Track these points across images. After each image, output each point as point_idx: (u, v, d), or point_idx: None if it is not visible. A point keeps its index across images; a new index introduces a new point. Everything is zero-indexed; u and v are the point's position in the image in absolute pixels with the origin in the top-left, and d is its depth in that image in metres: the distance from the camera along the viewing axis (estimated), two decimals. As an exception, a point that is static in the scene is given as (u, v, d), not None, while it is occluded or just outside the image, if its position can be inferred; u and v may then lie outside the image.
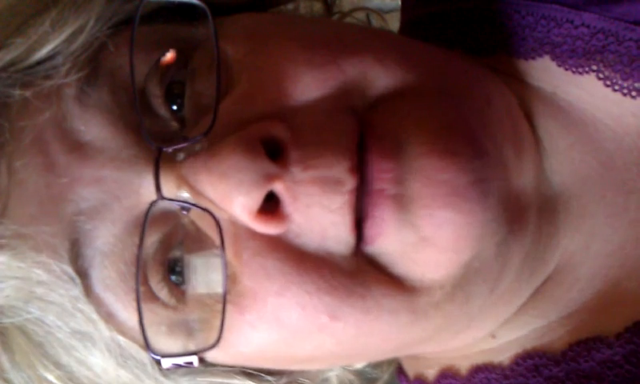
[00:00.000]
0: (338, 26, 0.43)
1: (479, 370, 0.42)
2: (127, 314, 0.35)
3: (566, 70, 0.43)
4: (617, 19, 0.42)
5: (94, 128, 0.35)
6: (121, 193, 0.35)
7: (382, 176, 0.33)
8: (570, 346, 0.40)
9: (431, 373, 0.44)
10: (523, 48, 0.44)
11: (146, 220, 0.34)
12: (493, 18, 0.45)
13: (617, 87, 0.42)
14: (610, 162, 0.42)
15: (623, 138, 0.42)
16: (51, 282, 0.35)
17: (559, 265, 0.41)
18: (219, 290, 0.34)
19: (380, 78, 0.35)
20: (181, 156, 0.34)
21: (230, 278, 0.35)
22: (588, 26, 0.43)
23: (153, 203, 0.34)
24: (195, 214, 0.35)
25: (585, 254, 0.41)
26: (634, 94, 0.42)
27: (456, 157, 0.33)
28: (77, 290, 0.35)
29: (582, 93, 0.42)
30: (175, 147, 0.34)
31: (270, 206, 0.33)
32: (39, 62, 0.36)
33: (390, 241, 0.34)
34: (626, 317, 0.40)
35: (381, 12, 0.60)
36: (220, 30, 0.36)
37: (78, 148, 0.35)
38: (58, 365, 0.36)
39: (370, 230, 0.34)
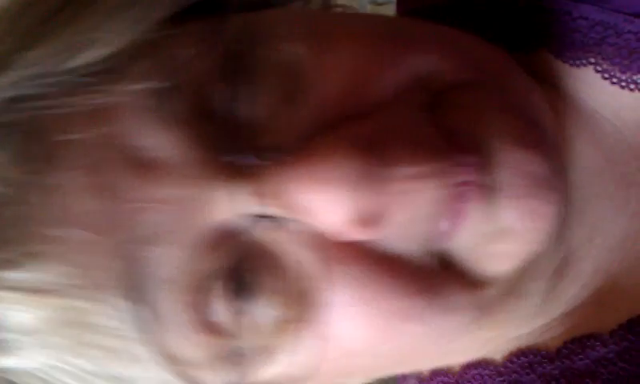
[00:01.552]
0: (395, 21, 0.41)
1: (472, 365, 0.42)
2: (189, 348, 0.32)
3: (564, 62, 0.42)
4: (615, 11, 0.42)
5: (161, 143, 0.31)
6: (190, 213, 0.31)
7: (465, 169, 0.32)
8: (564, 344, 0.40)
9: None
10: (521, 41, 0.43)
11: (215, 241, 0.31)
12: (490, 11, 0.44)
13: (615, 80, 0.42)
14: (610, 155, 0.41)
15: (622, 132, 0.42)
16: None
17: (562, 260, 0.41)
18: (289, 314, 0.32)
19: (445, 72, 0.35)
20: (259, 166, 0.31)
21: (306, 296, 0.32)
22: (586, 18, 0.42)
23: (224, 222, 0.31)
24: (266, 231, 0.32)
25: (588, 247, 0.41)
26: (632, 87, 0.42)
27: (538, 149, 0.34)
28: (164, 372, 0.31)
29: (580, 85, 0.42)
30: (253, 158, 0.31)
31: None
32: (83, 68, 0.31)
33: (469, 233, 0.33)
34: (620, 314, 0.39)
35: (374, 3, 0.59)
36: (271, 27, 0.34)
37: (143, 166, 0.30)
38: None
39: (451, 222, 0.32)
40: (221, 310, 0.32)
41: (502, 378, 0.40)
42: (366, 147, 0.30)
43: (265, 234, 0.32)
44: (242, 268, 0.32)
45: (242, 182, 0.31)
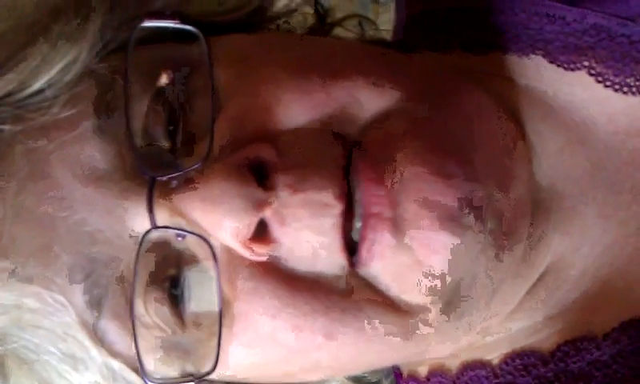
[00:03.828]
0: (329, 48, 0.42)
1: (469, 367, 0.42)
2: (129, 340, 0.35)
3: (558, 66, 0.43)
4: (609, 15, 0.42)
5: (107, 159, 0.35)
6: (130, 223, 0.35)
7: (375, 200, 0.33)
8: (558, 346, 0.40)
9: (423, 370, 0.44)
10: (516, 45, 0.44)
11: (140, 250, 0.34)
12: (486, 15, 0.45)
13: (608, 83, 0.42)
14: (600, 162, 0.41)
15: (613, 138, 0.42)
16: (42, 310, 0.35)
17: (548, 267, 0.41)
18: (214, 313, 0.35)
19: (370, 100, 0.35)
20: (174, 183, 0.34)
21: (225, 303, 0.35)
22: (580, 22, 0.43)
23: (146, 233, 0.34)
24: (191, 241, 0.35)
25: (574, 255, 0.41)
26: (625, 90, 0.42)
27: (451, 178, 0.33)
28: (68, 317, 0.35)
29: (573, 90, 0.42)
30: (170, 176, 0.34)
31: (259, 230, 0.34)
32: (33, 95, 0.36)
33: (385, 263, 0.34)
34: (614, 317, 0.40)
35: (376, 2, 0.59)
36: (212, 52, 0.36)
37: (92, 180, 0.35)
38: None
39: (364, 252, 0.34)
40: (155, 307, 0.35)
41: (497, 380, 0.41)
42: (246, 173, 0.33)
43: (187, 245, 0.35)
44: (169, 273, 0.35)
45: (158, 198, 0.34)
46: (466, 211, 0.34)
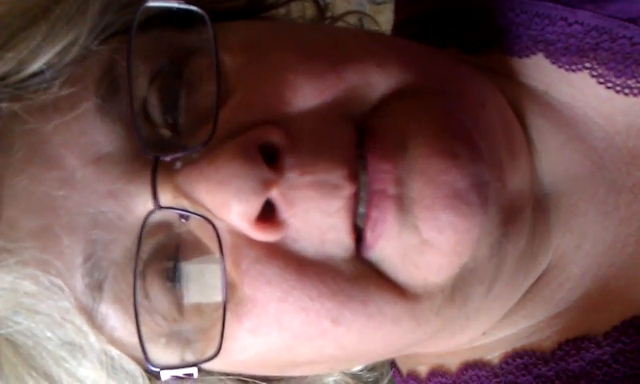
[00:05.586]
0: (337, 32, 0.42)
1: (469, 367, 0.42)
2: (130, 326, 0.35)
3: (560, 67, 0.43)
4: (611, 17, 0.43)
5: (109, 140, 0.35)
6: (133, 205, 0.34)
7: (381, 177, 0.33)
8: (559, 345, 0.40)
9: (423, 369, 0.45)
10: (517, 46, 0.44)
11: (142, 231, 0.34)
12: (487, 16, 0.45)
13: (610, 84, 0.42)
14: (601, 161, 0.42)
15: (613, 137, 0.42)
16: (39, 293, 0.34)
17: (550, 264, 0.41)
18: (218, 298, 0.34)
19: (380, 81, 0.35)
20: (178, 165, 0.34)
21: (230, 286, 0.34)
22: (582, 24, 0.43)
23: (149, 213, 0.34)
24: (194, 223, 0.35)
25: (575, 253, 0.41)
26: (626, 91, 0.42)
27: (457, 159, 0.33)
28: (66, 301, 0.34)
29: (574, 91, 0.43)
30: (174, 156, 0.34)
31: (267, 212, 0.33)
32: (31, 76, 0.35)
33: (392, 243, 0.34)
34: (614, 316, 0.40)
35: (373, 3, 0.59)
36: (217, 36, 0.35)
37: (93, 161, 0.34)
38: (47, 376, 0.36)
39: (370, 231, 0.33)
40: (156, 293, 0.35)
41: (498, 380, 0.41)
42: (255, 154, 0.32)
43: (190, 227, 0.35)
44: (168, 256, 0.35)
45: (162, 178, 0.34)
46: (472, 191, 0.33)
